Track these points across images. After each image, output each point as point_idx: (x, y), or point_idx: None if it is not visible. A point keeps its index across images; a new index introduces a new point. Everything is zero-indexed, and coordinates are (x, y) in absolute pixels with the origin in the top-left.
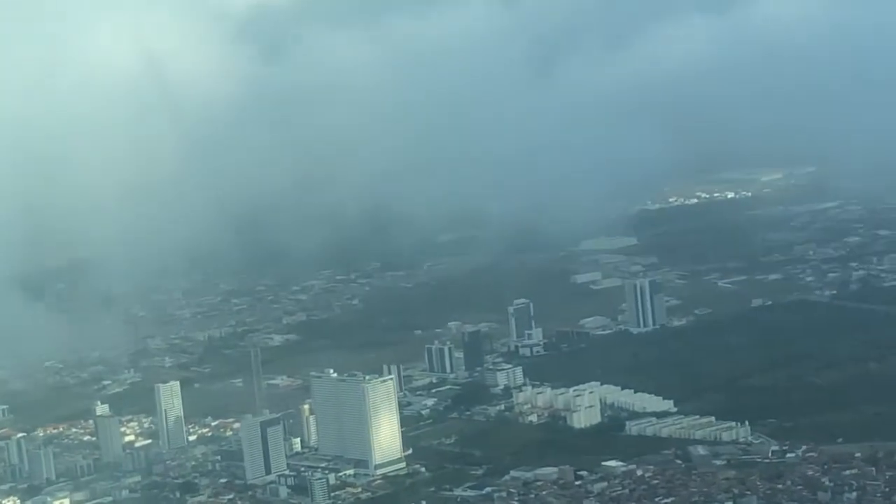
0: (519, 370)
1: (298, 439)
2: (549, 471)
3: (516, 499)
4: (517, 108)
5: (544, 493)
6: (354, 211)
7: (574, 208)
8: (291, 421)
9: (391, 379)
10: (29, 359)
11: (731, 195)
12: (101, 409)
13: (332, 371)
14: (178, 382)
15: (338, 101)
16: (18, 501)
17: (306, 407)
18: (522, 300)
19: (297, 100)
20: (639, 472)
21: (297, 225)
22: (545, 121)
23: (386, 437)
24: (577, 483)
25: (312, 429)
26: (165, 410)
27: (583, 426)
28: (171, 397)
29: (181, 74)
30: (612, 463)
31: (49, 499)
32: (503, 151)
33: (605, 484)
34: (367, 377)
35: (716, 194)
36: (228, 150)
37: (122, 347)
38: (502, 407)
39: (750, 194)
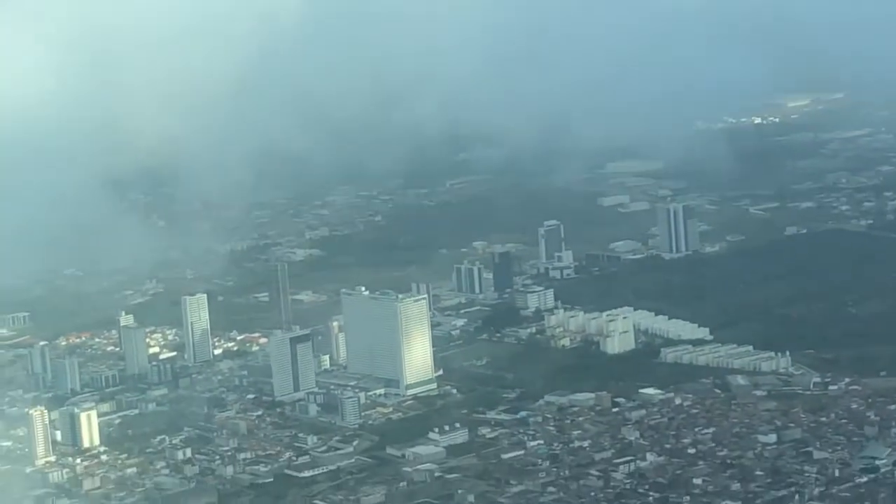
0: (550, 293)
1: (327, 357)
2: (585, 396)
3: (552, 424)
4: (605, 22)
5: (580, 419)
6: (432, 127)
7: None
8: (320, 338)
9: (424, 298)
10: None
11: (757, 121)
12: (126, 319)
13: (363, 289)
14: (205, 295)
15: (415, 15)
16: (46, 411)
17: (336, 324)
18: (553, 221)
19: (373, 14)
20: (677, 401)
21: (376, 140)
22: (631, 38)
23: (418, 358)
24: (615, 410)
25: (342, 346)
26: (192, 323)
27: (616, 352)
28: (197, 310)
29: None
30: (650, 390)
31: (76, 409)
32: (586, 68)
33: (643, 412)
34: (401, 296)
35: (742, 120)
36: (304, 65)
37: (146, 257)
38: (534, 330)
39: (777, 120)
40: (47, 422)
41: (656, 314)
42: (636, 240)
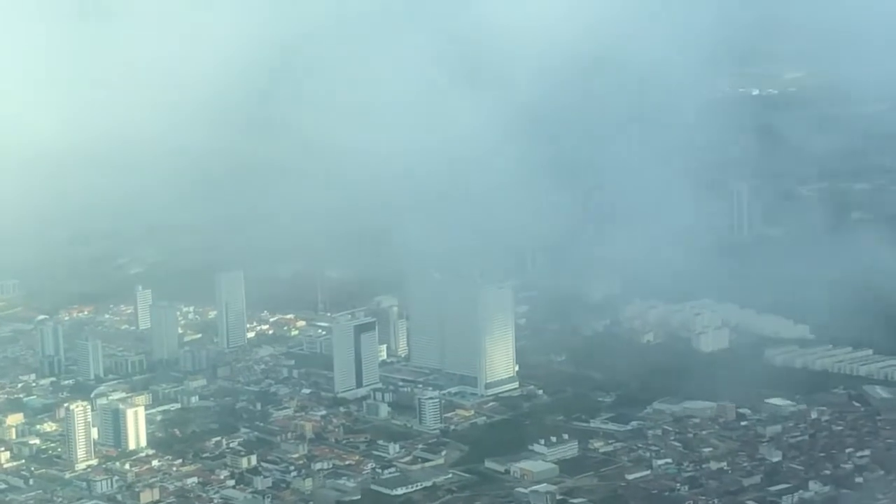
0: (616, 279)
1: (384, 346)
2: (704, 406)
3: (673, 438)
4: None
5: (704, 432)
6: None
7: None
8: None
9: (509, 286)
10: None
11: (755, 92)
12: (143, 294)
13: (434, 272)
14: (241, 272)
15: None
16: (87, 406)
17: (395, 309)
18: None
19: None
20: (813, 415)
21: None
22: None
23: (499, 353)
24: (743, 424)
25: (402, 335)
26: (227, 304)
27: (710, 350)
28: (233, 289)
29: None
30: (778, 401)
31: (121, 406)
32: None
33: (777, 427)
34: (481, 280)
35: (740, 90)
36: None
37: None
38: (609, 322)
39: (776, 92)
40: (89, 419)
41: (741, 307)
42: None
